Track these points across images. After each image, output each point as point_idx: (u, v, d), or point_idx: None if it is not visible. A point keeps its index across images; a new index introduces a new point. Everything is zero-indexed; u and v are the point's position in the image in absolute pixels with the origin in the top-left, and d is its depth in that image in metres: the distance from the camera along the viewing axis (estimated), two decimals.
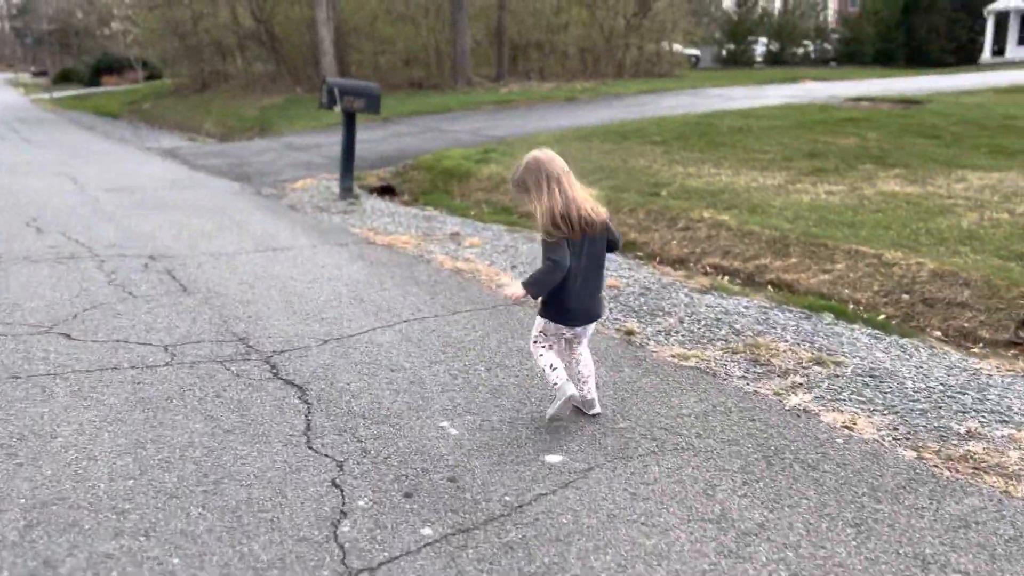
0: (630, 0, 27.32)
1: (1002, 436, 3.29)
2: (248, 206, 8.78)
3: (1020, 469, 3.02)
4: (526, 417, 3.44)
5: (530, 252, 6.69)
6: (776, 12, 39.99)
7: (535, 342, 3.39)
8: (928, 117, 11.97)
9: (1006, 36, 38.01)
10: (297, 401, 3.59)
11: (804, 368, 4.10)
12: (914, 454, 3.13)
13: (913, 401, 3.67)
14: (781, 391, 3.77)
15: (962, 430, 3.35)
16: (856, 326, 4.98)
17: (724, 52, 37.92)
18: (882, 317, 5.56)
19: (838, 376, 4.00)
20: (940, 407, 3.60)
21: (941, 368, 4.15)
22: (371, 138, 13.52)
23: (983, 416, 3.50)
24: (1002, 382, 3.94)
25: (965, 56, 36.32)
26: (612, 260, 6.53)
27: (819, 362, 4.18)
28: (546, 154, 3.24)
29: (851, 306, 5.81)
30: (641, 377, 3.90)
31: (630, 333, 4.61)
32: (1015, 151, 9.90)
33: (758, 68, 34.93)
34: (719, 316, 5.02)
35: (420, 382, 3.82)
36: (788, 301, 5.66)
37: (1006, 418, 3.48)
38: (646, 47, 27.74)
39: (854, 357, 4.28)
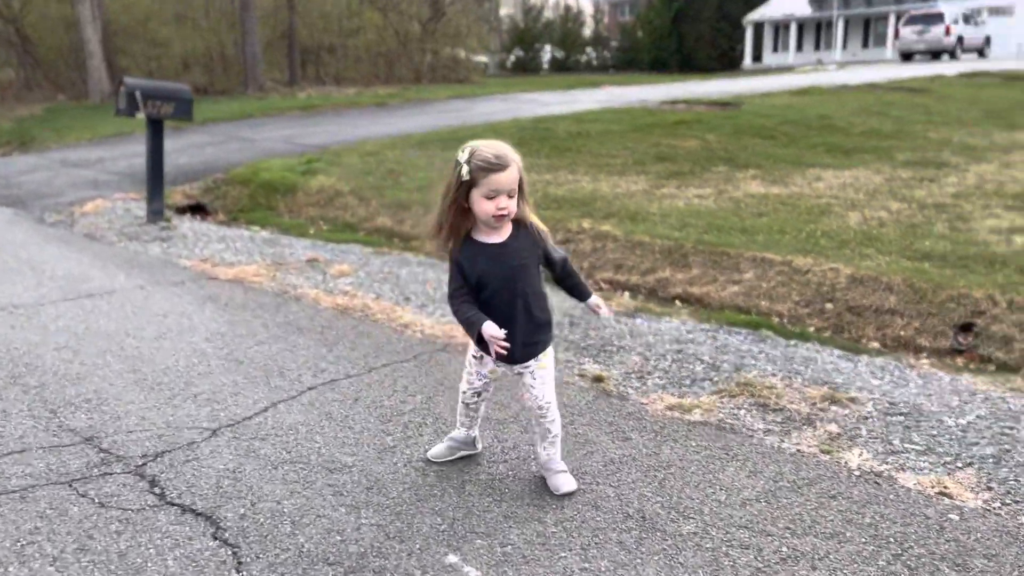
0: (423, 5, 26.57)
1: None
2: (34, 238, 6.97)
3: None
4: (567, 525, 2.48)
5: (412, 278, 5.66)
6: (557, 20, 40.89)
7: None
8: (752, 119, 12.13)
9: (762, 44, 41.27)
10: (214, 544, 2.39)
11: (823, 411, 3.45)
12: None
13: (973, 445, 3.11)
14: (826, 447, 3.08)
15: None
16: (814, 345, 4.46)
17: (513, 59, 38.18)
18: (812, 330, 5.12)
19: (867, 418, 3.38)
20: (1006, 451, 3.06)
21: (951, 394, 3.66)
22: (166, 150, 11.71)
23: None
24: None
25: (729, 62, 38.95)
26: None
27: (833, 400, 3.55)
28: None
29: (775, 319, 5.35)
30: (659, 446, 3.05)
31: (598, 380, 3.76)
32: (850, 149, 10.12)
33: (545, 75, 35.41)
34: (677, 348, 4.30)
35: (380, 487, 2.73)
36: (715, 319, 5.09)
37: None
38: (442, 52, 27.10)
39: (860, 390, 3.70)
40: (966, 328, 4.84)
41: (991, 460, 2.98)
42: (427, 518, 2.54)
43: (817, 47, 39.72)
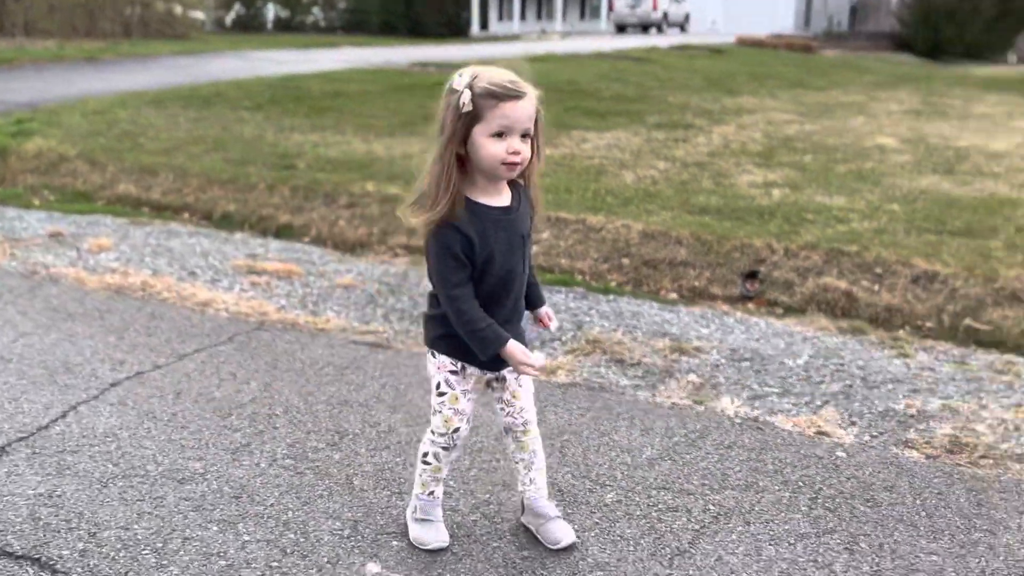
0: None
1: (940, 406, 3.03)
2: None
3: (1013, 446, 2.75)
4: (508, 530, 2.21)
5: (189, 250, 4.98)
6: None
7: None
8: None
9: (488, 13, 42.15)
10: None
11: (675, 362, 3.46)
12: (920, 455, 2.68)
13: (820, 384, 3.27)
14: (697, 398, 3.08)
15: (904, 408, 3.02)
16: (629, 299, 4.53)
17: (233, 16, 35.71)
18: (613, 284, 5.22)
19: (718, 366, 3.44)
20: (848, 387, 3.24)
21: (775, 338, 3.86)
22: None
23: (898, 388, 3.22)
24: (840, 343, 3.76)
25: (456, 29, 39.35)
26: (302, 250, 5.21)
27: (681, 351, 3.59)
28: None
29: (578, 276, 5.39)
30: (542, 412, 2.86)
31: None
32: (604, 112, 10.53)
33: (271, 34, 33.53)
34: None
35: (249, 494, 2.28)
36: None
37: (916, 385, 3.25)
38: (154, 5, 24.58)
39: (700, 339, 3.78)
40: (752, 276, 5.12)
41: (842, 396, 3.14)
42: (323, 523, 2.15)
43: (539, 17, 41.35)
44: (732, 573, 2.01)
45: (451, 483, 2.34)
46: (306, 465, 2.45)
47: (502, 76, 1.82)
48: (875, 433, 2.82)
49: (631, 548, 2.10)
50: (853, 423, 2.90)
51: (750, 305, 4.87)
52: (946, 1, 28.21)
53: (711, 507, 2.30)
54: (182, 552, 2.01)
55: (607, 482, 2.42)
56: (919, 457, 2.65)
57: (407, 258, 5.30)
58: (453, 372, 2.01)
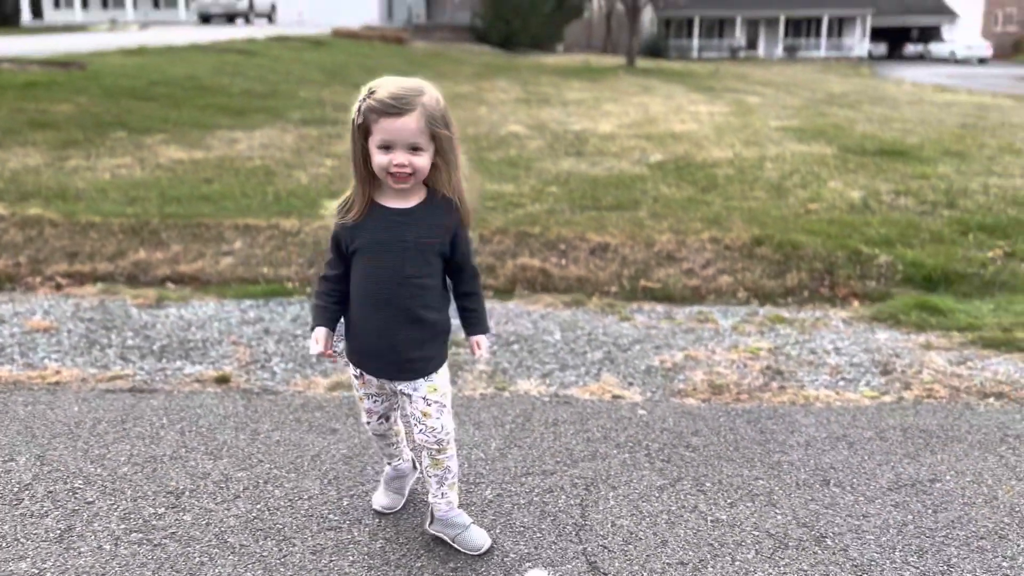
0: None
1: (684, 357, 3.58)
2: None
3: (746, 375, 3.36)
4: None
5: None
6: None
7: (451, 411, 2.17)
8: (115, 79, 11.09)
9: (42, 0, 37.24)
10: None
11: (456, 355, 3.60)
12: (696, 401, 3.16)
13: (584, 354, 3.64)
14: (498, 384, 3.27)
15: (660, 364, 3.51)
16: None
17: None
18: None
19: (495, 352, 3.65)
20: (608, 353, 3.67)
21: (520, 318, 4.19)
22: None
23: (645, 347, 3.72)
24: (572, 315, 4.22)
25: (2, 18, 34.18)
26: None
27: (455, 343, 3.73)
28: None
29: (288, 284, 5.31)
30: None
31: (223, 380, 3.23)
32: (241, 109, 10.11)
33: None
34: (256, 329, 3.94)
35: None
36: (233, 295, 4.72)
37: (655, 342, 3.78)
38: None
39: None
40: None
41: (608, 362, 3.55)
42: None
43: (105, 6, 37.51)
44: (631, 534, 2.24)
45: None
46: (161, 535, 2.17)
47: (390, 91, 1.88)
48: (652, 389, 3.26)
49: (538, 534, 2.23)
50: (631, 384, 3.31)
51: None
52: None
53: (577, 481, 2.51)
54: None
55: (478, 480, 2.50)
56: (696, 403, 3.13)
57: (89, 287, 4.72)
58: (356, 376, 2.14)
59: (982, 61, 43.25)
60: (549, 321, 4.11)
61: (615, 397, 3.16)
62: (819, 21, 46.76)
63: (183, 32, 23.16)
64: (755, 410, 3.05)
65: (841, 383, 3.34)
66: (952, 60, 43.16)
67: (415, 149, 1.89)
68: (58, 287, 4.92)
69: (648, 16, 39.33)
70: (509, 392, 3.20)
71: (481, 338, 2.16)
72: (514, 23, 31.14)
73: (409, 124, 1.87)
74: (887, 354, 3.65)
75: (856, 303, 4.85)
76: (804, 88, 19.17)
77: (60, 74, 11.06)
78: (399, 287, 1.98)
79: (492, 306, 4.44)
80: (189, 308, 4.32)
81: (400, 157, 1.88)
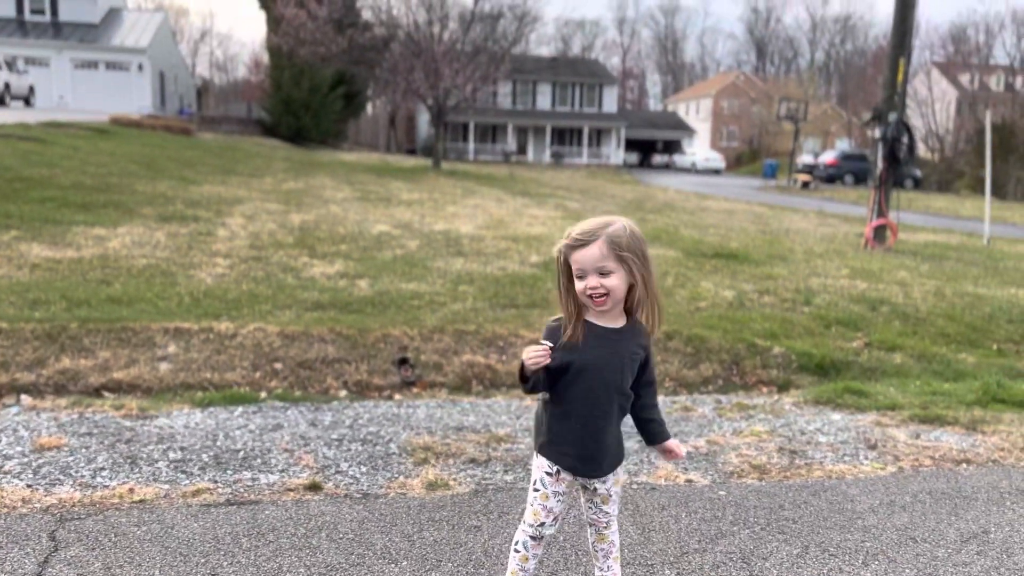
0: None
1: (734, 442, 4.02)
2: None
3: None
4: None
5: None
6: None
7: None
8: None
9: None
10: None
11: (496, 450, 3.78)
12: (766, 477, 3.58)
13: None
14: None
15: (695, 449, 3.91)
16: (382, 402, 4.63)
17: None
18: (279, 390, 5.18)
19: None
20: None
21: (507, 414, 4.44)
22: None
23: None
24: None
25: None
26: None
27: (498, 440, 3.90)
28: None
29: (235, 388, 5.20)
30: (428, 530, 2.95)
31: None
32: (84, 204, 9.47)
33: None
34: (261, 436, 3.88)
35: None
36: (178, 401, 4.59)
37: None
38: None
39: (486, 428, 4.13)
40: (403, 362, 5.58)
41: (643, 451, 3.89)
42: None
43: None
44: None
45: None
46: None
47: (580, 229, 2.23)
48: (710, 473, 3.65)
49: None
50: (686, 469, 3.68)
51: (415, 390, 5.31)
52: (301, 94, 31.52)
53: (732, 552, 2.82)
54: None
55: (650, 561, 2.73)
56: (754, 482, 3.55)
57: (61, 400, 4.38)
58: (548, 473, 2.31)
59: (717, 172, 49.43)
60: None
61: (688, 481, 3.51)
62: (580, 131, 51.31)
63: None
64: (806, 485, 3.53)
65: (846, 458, 3.92)
66: (694, 170, 48.90)
67: (603, 273, 2.18)
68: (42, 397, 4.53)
69: (425, 118, 41.02)
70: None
71: (675, 440, 2.46)
72: (304, 119, 31.23)
73: (593, 252, 2.19)
74: (859, 432, 4.32)
75: (765, 389, 5.59)
76: (601, 194, 20.99)
77: None
78: (617, 395, 2.28)
79: (462, 404, 4.64)
80: (179, 418, 4.13)
81: (592, 281, 2.18)
